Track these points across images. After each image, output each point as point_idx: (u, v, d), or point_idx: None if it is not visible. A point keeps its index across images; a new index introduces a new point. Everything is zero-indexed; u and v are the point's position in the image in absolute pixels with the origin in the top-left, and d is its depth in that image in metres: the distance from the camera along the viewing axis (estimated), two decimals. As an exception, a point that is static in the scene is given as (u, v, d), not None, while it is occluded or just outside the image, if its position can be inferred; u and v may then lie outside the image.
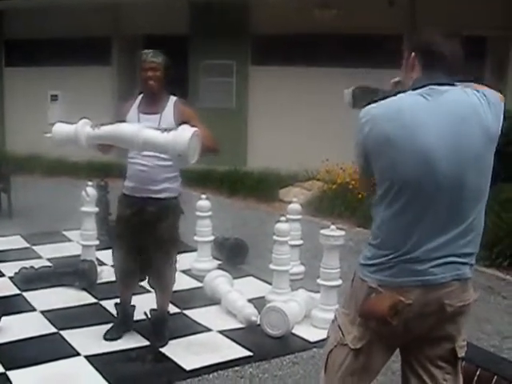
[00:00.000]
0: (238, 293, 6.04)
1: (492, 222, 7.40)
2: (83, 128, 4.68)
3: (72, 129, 4.74)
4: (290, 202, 7.46)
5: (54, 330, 5.41)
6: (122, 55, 14.55)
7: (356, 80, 11.76)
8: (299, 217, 7.16)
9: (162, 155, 4.81)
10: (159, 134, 4.56)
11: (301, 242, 7.11)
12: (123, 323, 5.41)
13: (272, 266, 6.16)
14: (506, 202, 8.26)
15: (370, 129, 2.61)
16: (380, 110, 2.62)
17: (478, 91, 2.62)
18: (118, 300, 5.50)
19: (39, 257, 7.48)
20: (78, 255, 7.00)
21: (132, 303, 5.48)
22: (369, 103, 2.71)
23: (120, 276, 5.33)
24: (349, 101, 3.02)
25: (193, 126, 4.65)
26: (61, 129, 4.84)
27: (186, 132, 4.44)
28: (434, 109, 2.54)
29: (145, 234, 5.05)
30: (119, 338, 5.30)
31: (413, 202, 2.55)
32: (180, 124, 4.85)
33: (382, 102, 2.65)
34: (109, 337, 5.28)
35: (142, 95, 5.16)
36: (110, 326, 5.42)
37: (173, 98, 5.12)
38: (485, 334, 5.60)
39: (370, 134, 2.61)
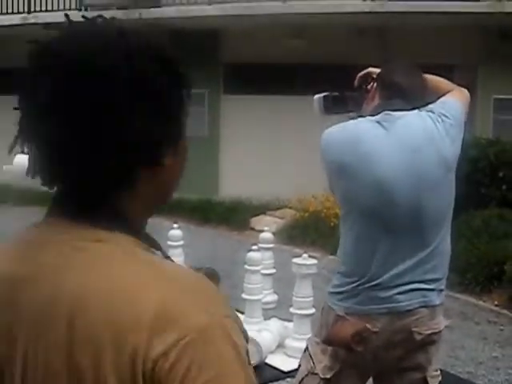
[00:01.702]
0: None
1: (465, 248, 7.45)
2: None
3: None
4: (261, 231, 7.40)
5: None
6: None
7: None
8: (271, 245, 7.09)
9: None
10: None
11: (273, 270, 7.05)
12: None
13: (244, 296, 6.12)
14: (478, 228, 8.33)
15: (328, 155, 2.64)
16: (337, 136, 2.66)
17: (433, 112, 2.64)
18: None
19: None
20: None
21: None
22: (339, 110, 2.89)
23: None
24: (319, 107, 2.98)
25: None
26: (21, 161, 4.77)
27: None
28: (389, 138, 2.57)
29: None
30: None
31: (372, 228, 2.56)
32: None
33: (341, 126, 2.68)
34: None
35: None
36: None
37: None
38: (459, 360, 5.61)
39: (328, 160, 2.64)
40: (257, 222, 10.95)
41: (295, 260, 5.81)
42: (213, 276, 7.63)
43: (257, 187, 11.85)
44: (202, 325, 0.98)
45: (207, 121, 13.72)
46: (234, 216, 11.26)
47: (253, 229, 10.73)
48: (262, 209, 11.51)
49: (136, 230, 1.13)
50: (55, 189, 1.14)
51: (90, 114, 1.05)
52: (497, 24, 11.09)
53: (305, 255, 5.90)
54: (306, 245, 9.52)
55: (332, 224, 9.73)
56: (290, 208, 11.12)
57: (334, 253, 9.20)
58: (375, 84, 2.80)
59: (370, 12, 11.12)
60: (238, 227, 11.01)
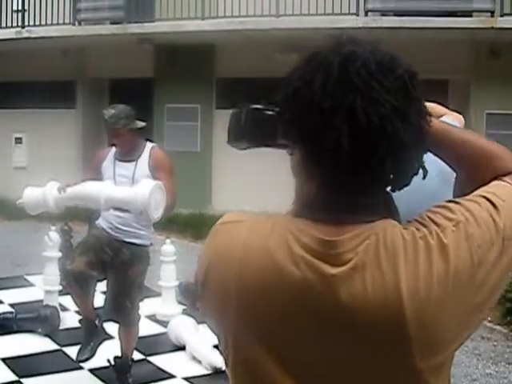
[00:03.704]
0: (203, 339, 5.97)
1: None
2: (51, 191, 4.68)
3: (40, 193, 4.76)
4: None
5: (15, 378, 5.28)
6: (87, 98, 14.56)
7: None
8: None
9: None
10: (121, 191, 4.56)
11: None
12: (92, 339, 5.13)
13: (237, 311, 6.11)
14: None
15: None
16: None
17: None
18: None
19: (1, 302, 7.33)
20: (41, 300, 6.89)
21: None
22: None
23: (76, 282, 4.80)
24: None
25: (161, 177, 4.68)
26: (30, 194, 4.86)
27: (145, 187, 4.42)
28: None
29: (113, 271, 4.96)
30: (93, 355, 5.10)
31: None
32: (154, 170, 4.87)
33: None
34: (80, 357, 5.10)
35: None
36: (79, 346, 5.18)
37: (149, 145, 5.06)
38: (453, 377, 5.59)
39: None
40: (249, 237, 10.91)
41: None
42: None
43: (250, 202, 11.80)
44: None
45: (200, 136, 13.71)
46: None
47: (246, 244, 10.70)
48: (256, 224, 11.46)
49: None
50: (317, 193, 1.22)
51: (389, 120, 1.14)
52: (489, 39, 11.15)
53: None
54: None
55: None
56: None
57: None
58: None
59: (362, 27, 11.16)
60: (231, 242, 10.95)
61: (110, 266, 4.97)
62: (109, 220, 4.98)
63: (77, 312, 6.68)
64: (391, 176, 1.21)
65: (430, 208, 1.26)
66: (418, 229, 1.19)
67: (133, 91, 12.68)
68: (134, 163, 4.94)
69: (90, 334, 5.14)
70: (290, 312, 1.18)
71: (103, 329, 5.25)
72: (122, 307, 5.03)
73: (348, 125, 1.13)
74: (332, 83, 1.17)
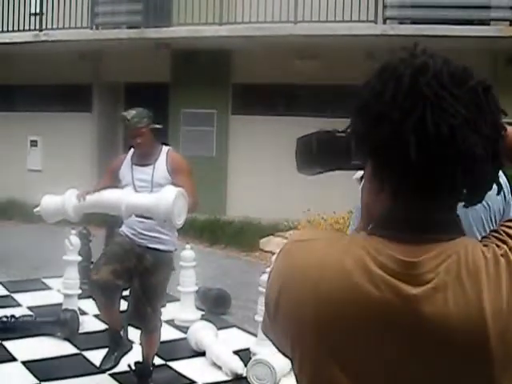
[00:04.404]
0: (223, 345, 5.97)
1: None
2: (70, 199, 4.68)
3: (59, 201, 4.75)
4: (270, 252, 7.44)
5: (35, 381, 5.29)
6: (103, 102, 14.59)
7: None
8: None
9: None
10: (143, 198, 4.55)
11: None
12: (117, 348, 5.09)
13: (257, 318, 6.10)
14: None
15: None
16: None
17: None
18: (100, 355, 5.20)
19: (19, 305, 7.34)
20: (59, 304, 6.89)
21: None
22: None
23: (102, 292, 4.77)
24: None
25: (180, 180, 4.69)
26: (49, 202, 4.85)
27: (168, 194, 4.42)
28: None
29: (137, 282, 4.95)
30: (116, 365, 5.08)
31: None
32: (172, 173, 4.88)
33: None
34: (104, 366, 5.07)
35: (133, 149, 5.14)
36: (104, 354, 5.12)
37: (165, 148, 5.09)
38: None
39: None
40: (266, 243, 10.91)
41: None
42: (224, 297, 7.68)
43: (265, 208, 11.84)
44: None
45: (215, 141, 13.73)
46: (243, 237, 11.20)
47: (262, 250, 10.69)
48: (271, 230, 11.45)
49: None
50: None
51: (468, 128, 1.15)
52: (507, 48, 11.12)
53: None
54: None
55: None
56: (299, 229, 11.07)
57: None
58: None
59: (380, 35, 11.16)
60: (246, 248, 10.95)
61: (134, 272, 4.97)
62: (132, 226, 4.98)
63: (95, 316, 6.73)
64: (464, 191, 1.20)
65: (503, 222, 1.25)
66: (498, 246, 1.18)
67: (149, 96, 12.68)
68: (151, 167, 4.95)
69: (115, 344, 5.12)
70: (370, 333, 1.16)
71: (128, 339, 5.25)
72: (144, 313, 5.02)
73: (417, 136, 1.12)
74: (402, 94, 1.16)
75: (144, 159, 4.98)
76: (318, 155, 1.52)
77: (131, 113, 4.97)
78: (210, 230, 11.64)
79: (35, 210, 5.05)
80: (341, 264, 1.18)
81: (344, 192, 11.34)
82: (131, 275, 4.94)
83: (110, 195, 4.66)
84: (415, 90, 1.15)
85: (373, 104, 1.19)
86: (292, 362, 1.29)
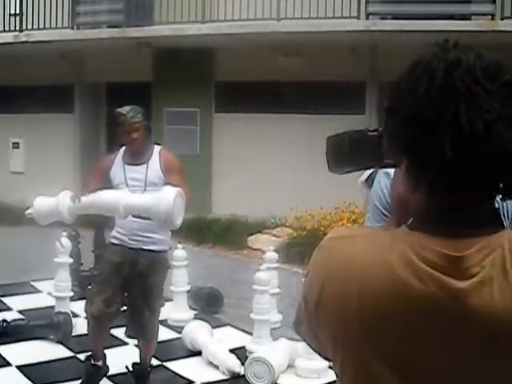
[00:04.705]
0: (219, 343, 5.95)
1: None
2: (64, 201, 4.63)
3: (53, 203, 4.70)
4: (258, 250, 7.46)
5: (32, 386, 5.25)
6: (85, 103, 14.49)
7: (319, 126, 11.87)
8: (276, 265, 7.13)
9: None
10: (141, 199, 4.53)
11: (278, 290, 7.06)
12: (91, 381, 5.13)
13: (253, 316, 6.09)
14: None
15: None
16: None
17: None
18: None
19: (9, 309, 7.27)
20: (50, 307, 6.84)
21: (107, 357, 5.20)
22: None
23: (93, 323, 4.99)
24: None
25: (175, 179, 4.68)
26: (41, 204, 4.80)
27: (168, 194, 4.40)
28: None
29: (133, 285, 4.94)
30: None
31: None
32: (166, 172, 4.86)
33: None
34: None
35: (124, 147, 5.09)
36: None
37: (157, 147, 5.08)
38: None
39: None
40: (253, 240, 10.90)
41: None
42: (216, 296, 7.65)
43: (251, 205, 11.81)
44: None
45: (199, 139, 13.69)
46: (230, 235, 11.18)
47: (250, 247, 10.68)
48: (258, 227, 11.44)
49: None
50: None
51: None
52: (488, 42, 11.17)
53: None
54: (305, 263, 9.47)
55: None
56: (287, 226, 11.07)
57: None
58: None
59: (363, 30, 11.18)
60: (234, 246, 10.94)
61: (130, 279, 4.94)
62: (124, 227, 4.93)
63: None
64: (501, 185, 1.20)
65: None
66: None
67: (131, 95, 12.49)
68: (144, 166, 4.92)
69: (91, 378, 5.14)
70: (416, 327, 1.16)
71: (106, 366, 5.22)
72: (142, 318, 5.00)
73: (451, 132, 1.12)
74: (435, 90, 1.15)
75: (137, 158, 4.95)
76: (349, 155, 1.51)
77: (126, 108, 4.97)
78: (196, 229, 11.58)
79: (27, 212, 4.98)
80: (384, 258, 1.18)
81: (328, 189, 11.43)
82: (127, 285, 4.94)
83: (106, 196, 4.62)
84: (448, 84, 1.14)
85: (406, 100, 1.19)
86: (333, 361, 1.28)
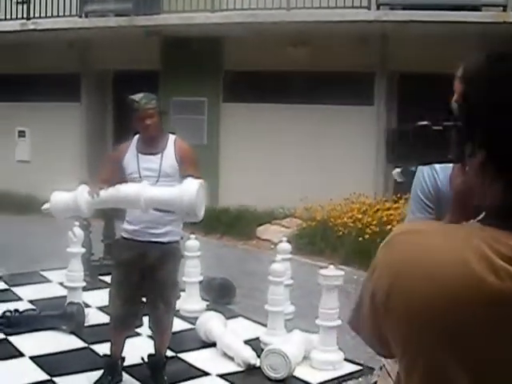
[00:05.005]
0: (234, 335, 5.91)
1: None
2: (82, 195, 4.56)
3: (70, 197, 4.63)
4: (267, 240, 7.43)
5: (47, 377, 5.20)
6: (91, 91, 14.41)
7: (328, 116, 11.75)
8: (290, 256, 7.08)
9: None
10: (163, 191, 4.46)
11: (291, 281, 7.02)
12: (110, 378, 5.11)
13: (267, 307, 6.05)
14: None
15: None
16: None
17: None
18: (107, 348, 5.20)
19: (20, 299, 7.22)
20: (61, 297, 6.81)
21: (124, 350, 5.19)
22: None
23: (117, 324, 5.03)
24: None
25: (191, 170, 4.63)
26: (59, 199, 4.73)
27: (191, 186, 4.33)
28: None
29: (147, 279, 4.90)
30: None
31: None
32: (181, 163, 4.79)
33: None
34: None
35: (138, 136, 5.01)
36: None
37: (172, 137, 5.00)
38: None
39: None
40: (262, 231, 10.85)
41: (322, 271, 5.76)
42: (228, 286, 7.61)
43: (259, 196, 11.76)
44: None
45: (207, 129, 13.61)
46: (239, 225, 11.13)
47: (259, 238, 10.63)
48: (267, 217, 11.38)
49: None
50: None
51: None
52: (499, 34, 11.08)
53: (331, 266, 5.86)
54: (315, 254, 9.45)
55: (340, 233, 9.67)
56: (296, 217, 11.02)
57: (344, 263, 9.11)
58: None
59: (373, 21, 11.09)
60: (243, 237, 10.89)
61: (143, 272, 4.90)
62: (136, 219, 4.86)
63: (99, 308, 6.66)
64: None
65: None
66: None
67: (138, 84, 12.39)
68: (159, 156, 4.85)
69: (110, 373, 5.12)
70: (488, 321, 1.13)
71: (123, 369, 5.21)
72: (157, 309, 4.95)
73: None
74: None
75: (151, 147, 4.88)
76: (413, 148, 1.46)
77: (139, 95, 4.90)
78: (205, 219, 11.44)
79: (43, 207, 4.90)
80: (459, 253, 1.16)
81: (337, 179, 11.38)
82: (143, 279, 4.91)
83: (126, 189, 4.55)
84: None
85: (486, 92, 1.16)
86: (400, 361, 1.25)
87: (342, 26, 11.18)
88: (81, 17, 12.95)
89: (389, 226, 9.29)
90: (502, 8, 11.05)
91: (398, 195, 10.36)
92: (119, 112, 14.00)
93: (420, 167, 2.59)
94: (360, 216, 9.86)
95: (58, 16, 13.00)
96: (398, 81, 12.54)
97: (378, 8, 11.35)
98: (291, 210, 11.35)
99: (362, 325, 1.34)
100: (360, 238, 9.31)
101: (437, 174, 2.49)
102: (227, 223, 11.30)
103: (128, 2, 12.52)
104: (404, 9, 11.47)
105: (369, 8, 11.34)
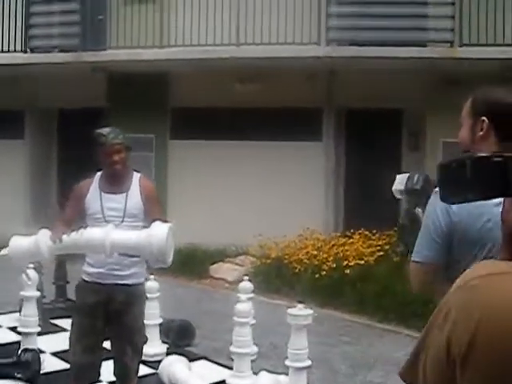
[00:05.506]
0: (199, 379, 5.71)
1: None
2: (43, 240, 4.35)
3: (31, 242, 4.41)
4: (222, 279, 7.27)
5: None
6: (36, 128, 14.12)
7: (276, 152, 11.77)
8: (252, 295, 6.92)
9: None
10: (130, 236, 4.28)
11: (254, 321, 6.84)
12: None
13: (233, 349, 5.87)
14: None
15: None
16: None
17: None
18: None
19: (-33, 346, 6.88)
20: (13, 342, 6.51)
21: None
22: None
23: (79, 375, 4.72)
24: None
25: (156, 211, 4.48)
26: (18, 244, 4.50)
27: (160, 231, 4.16)
28: None
29: (112, 324, 4.68)
30: None
31: None
32: (146, 203, 4.62)
33: None
34: None
35: (100, 173, 4.82)
36: None
37: (137, 175, 4.82)
38: None
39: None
40: (216, 269, 10.66)
41: (291, 311, 5.62)
42: (188, 328, 7.39)
43: (211, 234, 11.58)
44: None
45: (154, 166, 13.42)
46: (192, 264, 10.90)
47: (212, 277, 10.45)
48: (220, 256, 11.21)
49: None
50: None
51: None
52: (448, 69, 11.25)
53: (300, 305, 5.71)
54: (271, 292, 9.31)
55: (296, 270, 9.56)
56: (249, 255, 10.87)
57: (301, 301, 9.00)
58: (484, 119, 2.48)
59: (323, 57, 11.13)
60: (196, 276, 10.68)
61: (107, 317, 4.68)
62: (98, 261, 4.64)
63: (53, 354, 6.38)
64: None
65: None
66: None
67: (84, 121, 12.32)
68: (123, 195, 4.65)
69: None
70: None
71: None
72: (125, 356, 4.72)
73: None
74: None
75: (115, 185, 4.68)
76: (472, 182, 1.34)
77: (106, 130, 4.70)
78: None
79: (1, 252, 4.67)
80: None
81: (289, 215, 11.30)
82: (106, 325, 4.69)
83: (91, 234, 4.33)
84: None
85: None
86: None
87: (290, 61, 11.19)
88: (26, 52, 12.67)
89: (345, 262, 9.23)
90: (449, 44, 11.21)
91: (352, 230, 10.33)
92: (64, 150, 13.77)
93: (432, 197, 2.49)
94: (315, 252, 9.78)
95: (1, 51, 12.70)
96: (346, 116, 12.62)
97: (327, 44, 11.39)
98: (243, 247, 11.19)
99: (422, 378, 1.22)
100: (317, 275, 9.20)
101: (449, 206, 2.39)
102: (180, 262, 11.04)
103: (74, 37, 12.30)
104: (352, 45, 11.56)
105: (318, 44, 11.38)
